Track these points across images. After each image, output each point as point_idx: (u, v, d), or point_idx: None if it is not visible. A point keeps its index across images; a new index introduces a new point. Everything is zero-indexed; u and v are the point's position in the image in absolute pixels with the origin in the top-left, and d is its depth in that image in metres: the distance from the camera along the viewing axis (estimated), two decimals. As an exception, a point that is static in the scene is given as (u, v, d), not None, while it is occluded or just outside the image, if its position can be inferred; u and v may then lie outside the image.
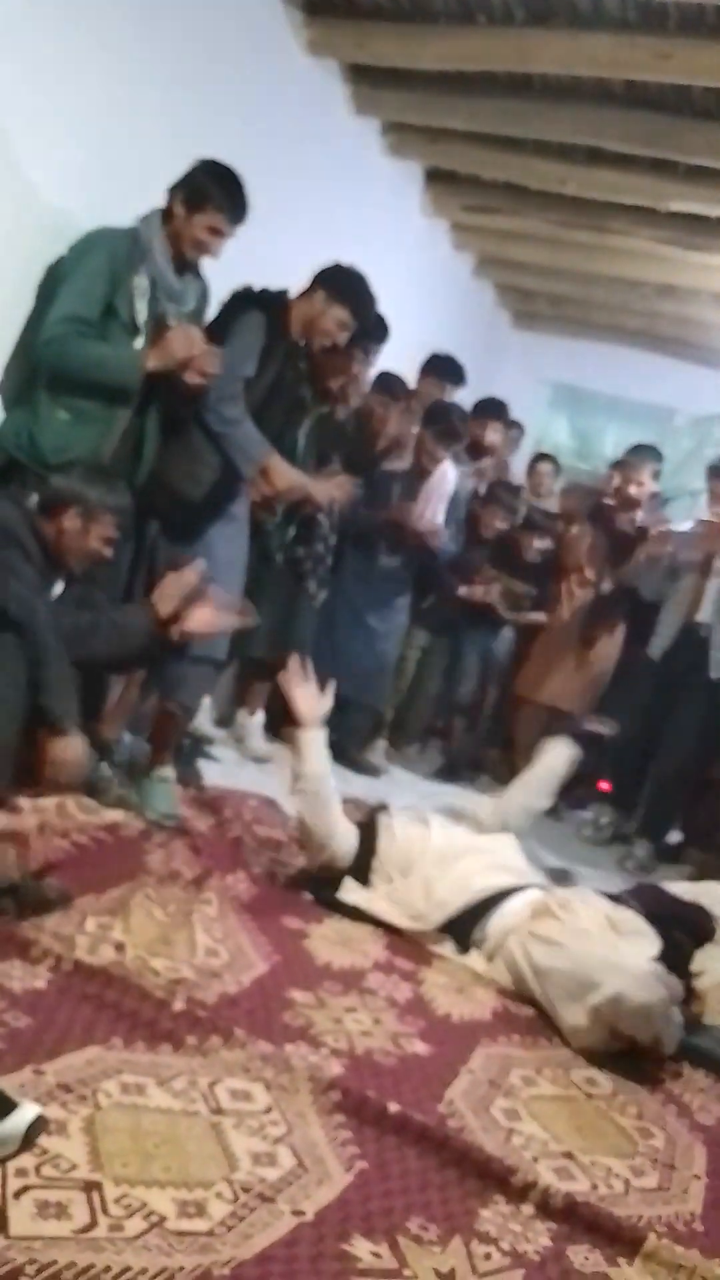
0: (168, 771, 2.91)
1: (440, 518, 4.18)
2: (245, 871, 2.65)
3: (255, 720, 3.84)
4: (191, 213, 2.73)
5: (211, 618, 2.55)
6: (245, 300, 3.04)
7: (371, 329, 3.58)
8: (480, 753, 4.67)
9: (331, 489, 3.38)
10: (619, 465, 4.50)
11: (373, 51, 4.06)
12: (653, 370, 6.50)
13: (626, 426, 6.63)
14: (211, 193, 2.73)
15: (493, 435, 4.61)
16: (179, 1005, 1.84)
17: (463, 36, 3.81)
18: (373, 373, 4.13)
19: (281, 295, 3.09)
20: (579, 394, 6.86)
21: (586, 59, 3.63)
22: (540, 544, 4.57)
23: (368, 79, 4.34)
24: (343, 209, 4.39)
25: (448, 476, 4.23)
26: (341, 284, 3.06)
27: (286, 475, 3.03)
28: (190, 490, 2.87)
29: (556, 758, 3.01)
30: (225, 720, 3.93)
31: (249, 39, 3.67)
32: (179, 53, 3.24)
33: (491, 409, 4.64)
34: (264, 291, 3.08)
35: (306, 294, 3.07)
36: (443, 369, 4.40)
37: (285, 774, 3.57)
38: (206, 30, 3.38)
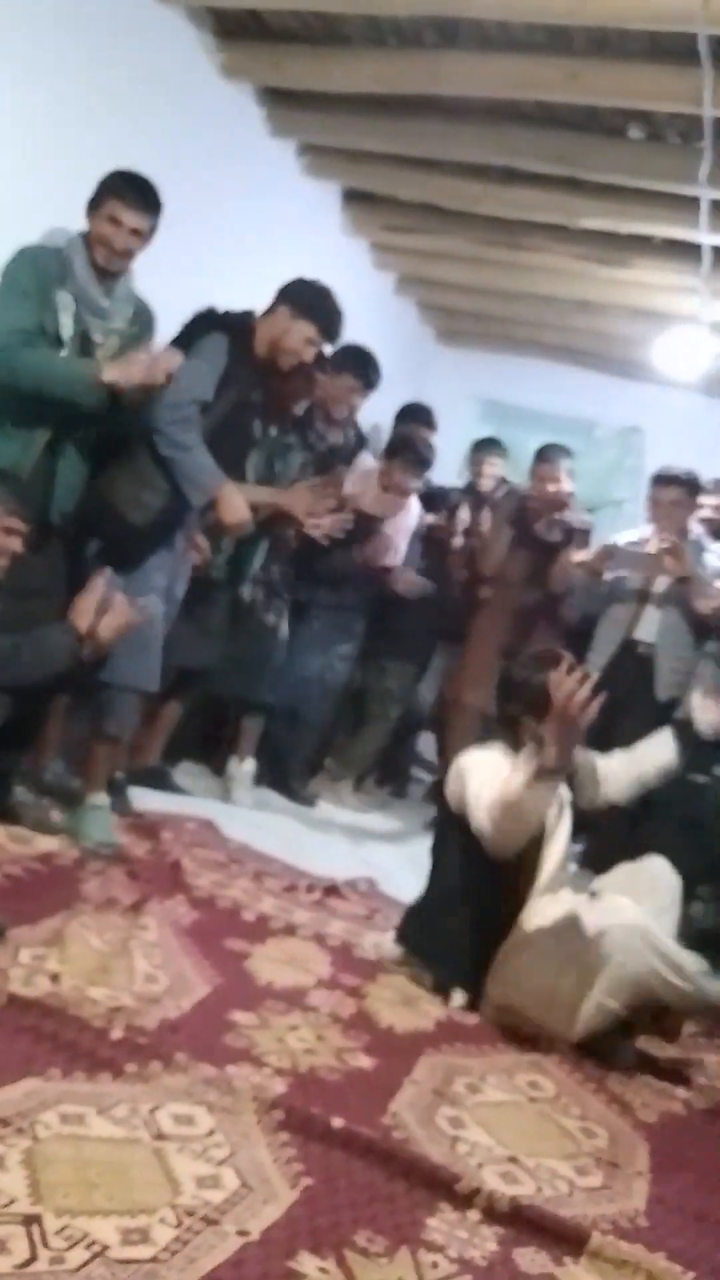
0: (100, 799, 2.87)
1: (402, 554, 4.22)
2: (185, 895, 2.63)
3: (245, 768, 3.76)
4: (92, 212, 2.70)
5: (121, 622, 2.51)
6: (208, 322, 2.99)
7: (367, 371, 3.62)
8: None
9: (304, 499, 3.26)
10: (534, 466, 4.43)
11: (286, 74, 4.10)
12: (574, 384, 6.64)
13: (551, 439, 6.73)
14: (106, 186, 2.70)
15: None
16: (118, 1033, 1.82)
17: (374, 59, 3.88)
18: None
19: (246, 316, 3.04)
20: (505, 408, 6.97)
21: (496, 79, 3.72)
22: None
23: (283, 101, 4.39)
24: (262, 230, 4.42)
25: (413, 510, 4.26)
26: (306, 298, 3.02)
27: (236, 510, 2.91)
28: (134, 515, 2.81)
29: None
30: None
31: (163, 63, 3.69)
32: (93, 78, 3.25)
33: (420, 414, 4.66)
34: (227, 313, 3.03)
35: (270, 312, 3.03)
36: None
37: (274, 823, 3.56)
38: (120, 55, 3.39)
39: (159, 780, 3.48)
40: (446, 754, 4.48)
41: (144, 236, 2.75)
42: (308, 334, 3.00)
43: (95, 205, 2.71)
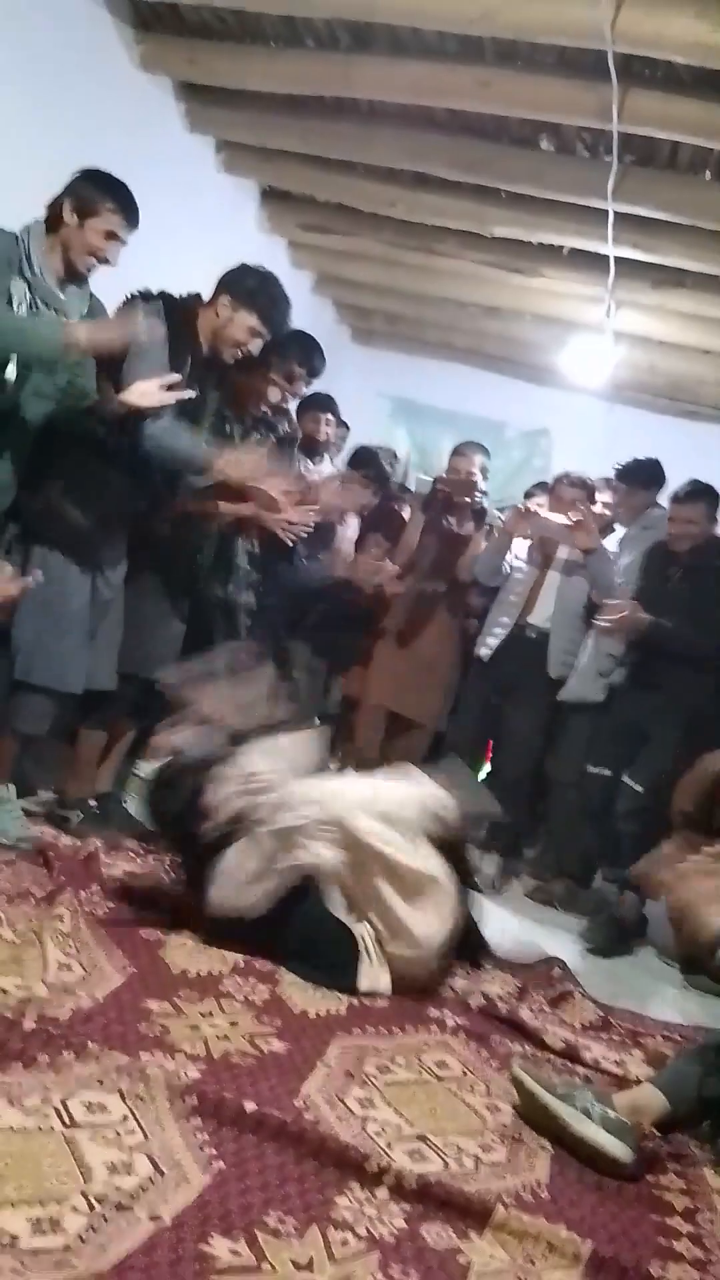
0: (3, 791, 2.83)
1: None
2: (100, 886, 2.62)
3: None
4: (84, 219, 2.65)
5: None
6: (144, 298, 2.91)
7: (313, 360, 3.51)
8: None
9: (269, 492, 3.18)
10: (450, 460, 4.52)
11: (203, 69, 4.10)
12: (484, 386, 6.77)
13: (461, 439, 6.86)
14: (104, 199, 2.67)
15: (326, 429, 4.59)
16: (29, 1024, 1.80)
17: (290, 59, 3.91)
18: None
19: (189, 301, 2.96)
20: (417, 407, 7.07)
21: (409, 85, 3.78)
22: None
23: (200, 97, 4.38)
24: (180, 224, 4.38)
25: (353, 522, 4.33)
26: (247, 286, 2.93)
27: (241, 462, 2.86)
28: (81, 516, 2.76)
29: None
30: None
31: (80, 52, 3.66)
32: (8, 63, 3.20)
33: (324, 403, 4.66)
34: (164, 295, 2.94)
35: (211, 302, 2.97)
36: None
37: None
38: (35, 42, 3.34)
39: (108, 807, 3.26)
40: (346, 755, 4.40)
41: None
42: (250, 324, 2.93)
43: (89, 212, 2.65)
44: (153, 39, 3.98)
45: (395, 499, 4.78)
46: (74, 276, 2.72)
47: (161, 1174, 1.54)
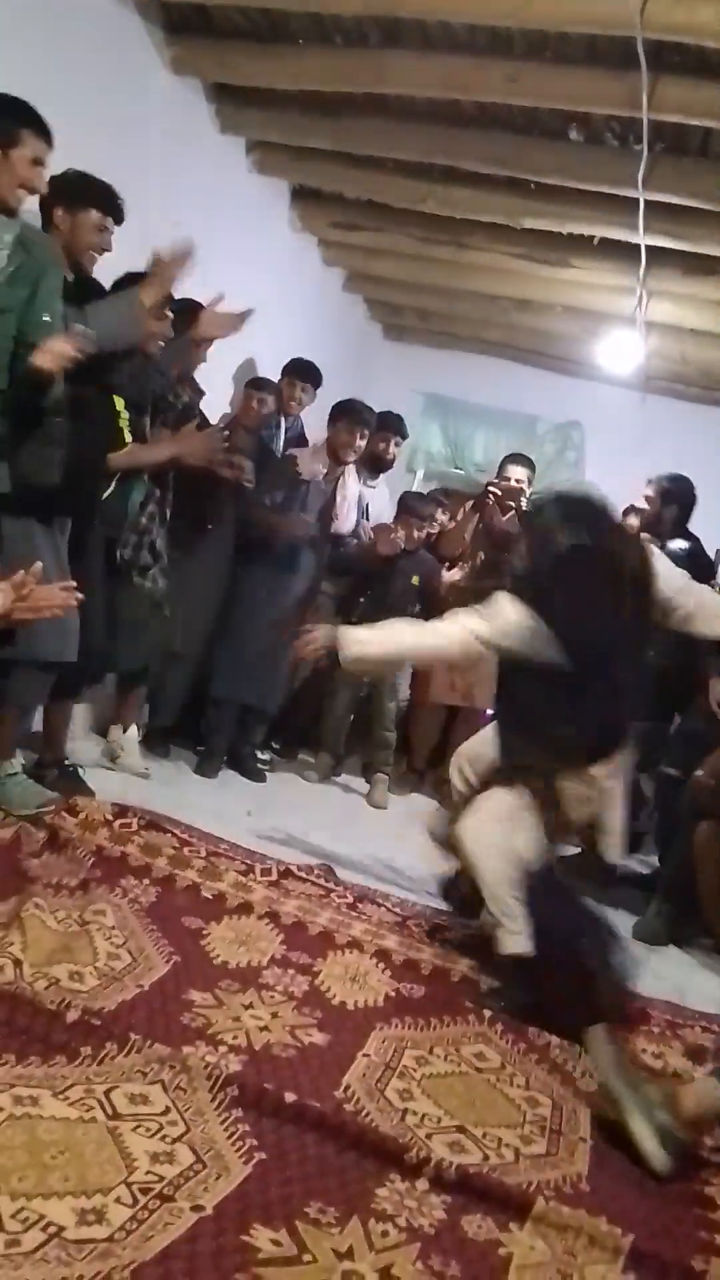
0: (8, 765, 2.88)
1: (351, 523, 4.29)
2: (143, 875, 2.66)
3: (130, 736, 3.74)
4: (7, 150, 2.54)
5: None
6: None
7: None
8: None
9: (202, 444, 3.30)
10: (504, 465, 4.68)
11: (234, 71, 4.12)
12: (515, 380, 6.74)
13: (494, 434, 6.85)
14: (22, 126, 2.55)
15: (393, 449, 4.72)
16: (72, 1016, 1.83)
17: (319, 56, 3.91)
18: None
19: None
20: (449, 403, 7.05)
21: (438, 80, 3.77)
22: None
23: (231, 98, 4.40)
24: (211, 225, 4.41)
25: (351, 484, 4.35)
26: (72, 187, 2.82)
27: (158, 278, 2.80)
28: (45, 475, 2.71)
29: None
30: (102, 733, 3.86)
31: (112, 57, 3.69)
32: (41, 68, 3.23)
33: (392, 424, 4.74)
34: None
35: (49, 223, 2.86)
36: (299, 370, 4.49)
37: (165, 789, 3.58)
38: (68, 47, 3.38)
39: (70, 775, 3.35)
40: (412, 753, 4.69)
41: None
42: (92, 220, 2.84)
43: (9, 143, 2.53)
44: (183, 42, 4.00)
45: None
46: (4, 210, 2.63)
47: (203, 1165, 1.57)
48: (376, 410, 4.71)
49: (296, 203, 5.41)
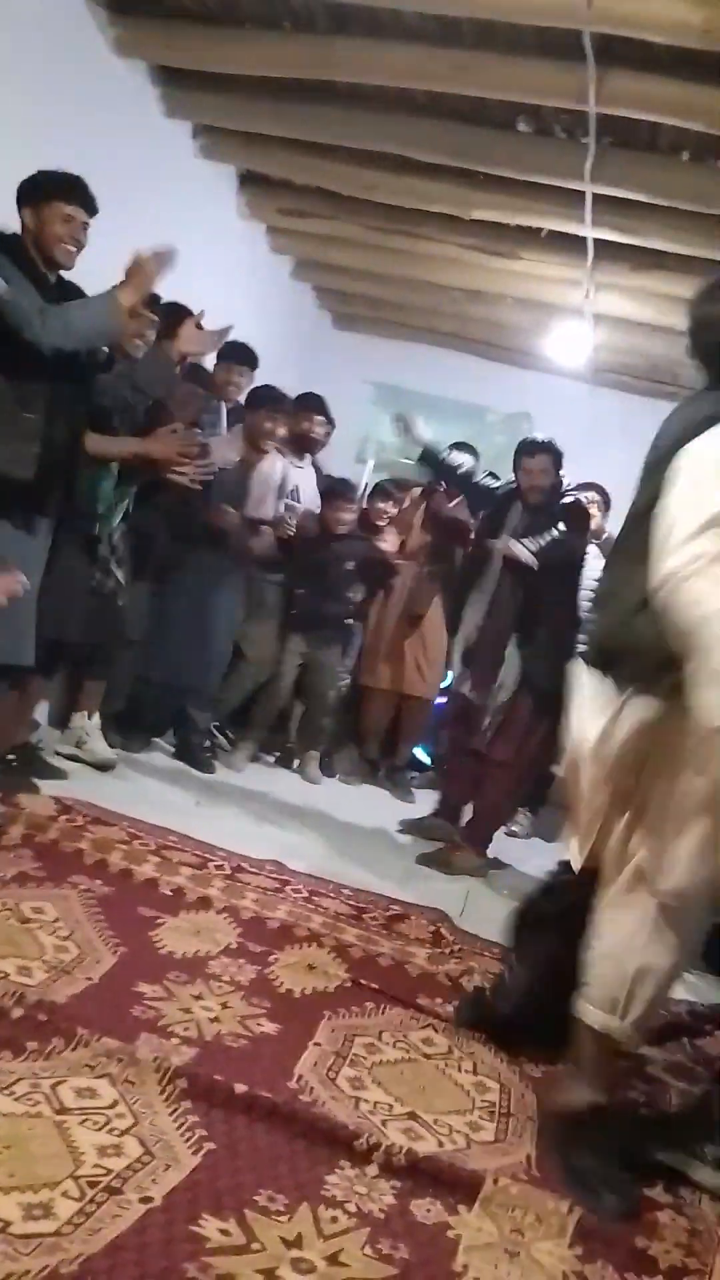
0: None
1: (270, 507, 4.27)
2: (95, 870, 2.64)
3: (93, 723, 3.74)
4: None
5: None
6: None
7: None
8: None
9: (170, 444, 3.30)
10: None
11: (180, 53, 4.06)
12: (466, 370, 6.77)
13: (444, 424, 6.86)
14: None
15: (317, 430, 4.67)
16: (18, 1012, 1.81)
17: (268, 41, 3.87)
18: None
19: (9, 237, 2.80)
20: (400, 393, 7.05)
21: (387, 68, 3.76)
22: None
23: (178, 81, 4.34)
24: (157, 210, 4.35)
25: (275, 467, 4.32)
26: (39, 184, 2.77)
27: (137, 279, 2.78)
28: (19, 471, 2.68)
29: None
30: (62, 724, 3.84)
31: (54, 37, 3.61)
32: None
33: (312, 404, 4.71)
34: None
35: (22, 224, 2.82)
36: (233, 353, 4.45)
37: (131, 779, 3.57)
38: (6, 26, 3.30)
39: (32, 760, 3.42)
40: (363, 742, 4.73)
41: None
42: (63, 212, 2.75)
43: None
44: (128, 23, 3.93)
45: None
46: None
47: (152, 1156, 1.56)
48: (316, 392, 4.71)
49: (245, 188, 5.36)
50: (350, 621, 4.64)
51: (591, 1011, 1.85)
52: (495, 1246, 1.59)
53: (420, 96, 4.06)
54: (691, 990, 2.95)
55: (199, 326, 3.35)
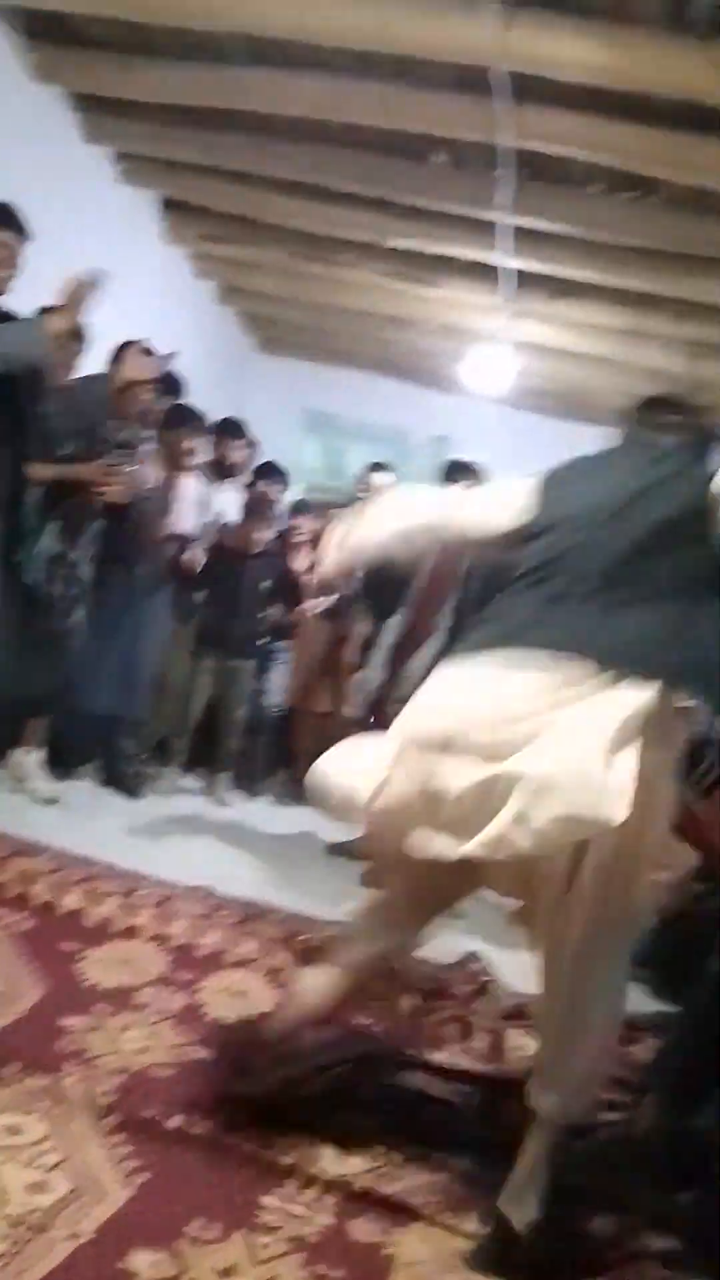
0: None
1: (188, 526, 4.28)
2: (21, 905, 2.58)
3: (33, 758, 3.66)
4: None
5: None
6: None
7: None
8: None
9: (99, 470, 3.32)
10: (359, 480, 4.72)
11: (97, 80, 4.07)
12: (390, 395, 6.86)
13: (369, 447, 6.96)
14: None
15: (236, 454, 4.69)
16: (-60, 1052, 1.77)
17: (184, 71, 3.90)
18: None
19: None
20: (326, 417, 7.12)
21: (304, 100, 3.82)
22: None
23: (97, 107, 4.35)
24: (77, 235, 4.34)
25: (196, 489, 4.33)
26: None
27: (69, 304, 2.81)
28: None
29: None
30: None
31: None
32: None
33: (230, 428, 4.72)
34: None
35: None
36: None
37: (57, 808, 3.50)
38: None
39: None
40: (296, 764, 4.57)
41: None
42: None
43: None
44: (45, 49, 3.92)
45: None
46: None
47: (80, 1192, 1.53)
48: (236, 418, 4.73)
49: (167, 214, 5.38)
50: (266, 641, 4.62)
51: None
52: (431, 1263, 1.60)
53: (337, 128, 4.12)
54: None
55: (146, 353, 3.35)
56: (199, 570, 4.27)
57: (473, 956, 3.00)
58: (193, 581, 4.34)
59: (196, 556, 4.25)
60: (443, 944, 3.09)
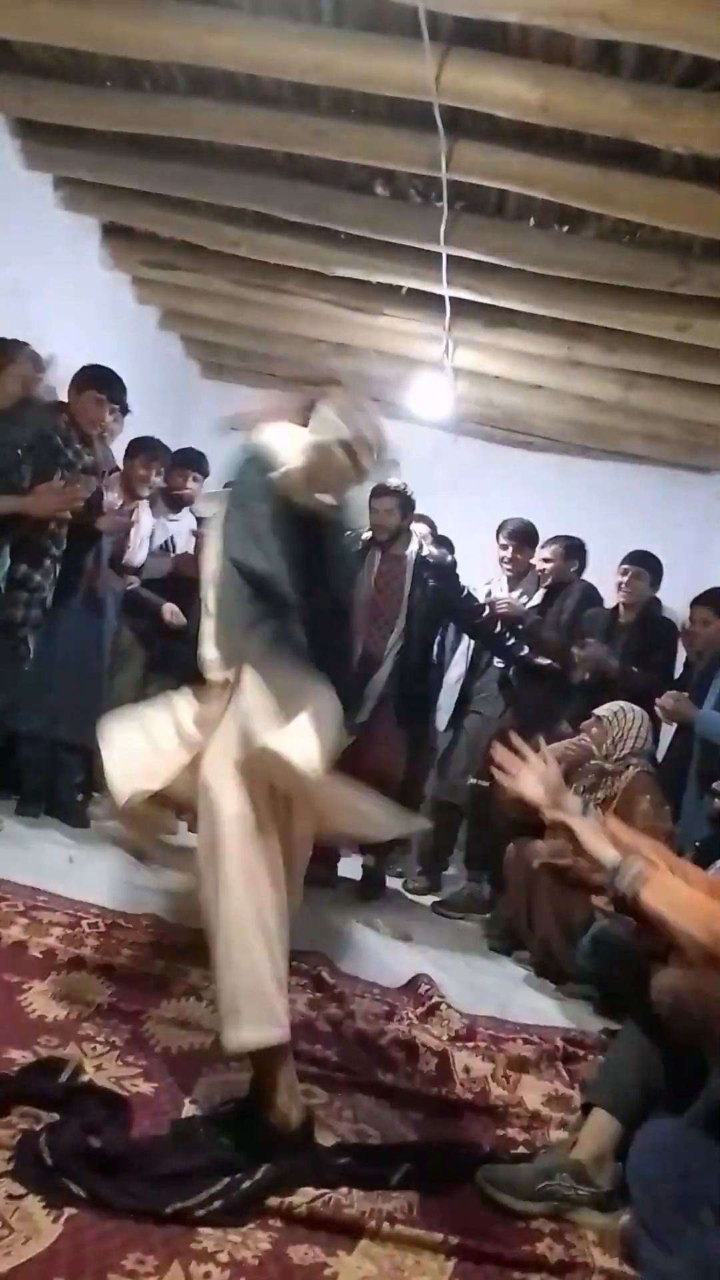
0: None
1: (141, 557, 4.26)
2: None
3: None
4: None
5: None
6: None
7: None
8: None
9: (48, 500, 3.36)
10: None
11: (39, 107, 4.07)
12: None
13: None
14: None
15: (191, 485, 4.73)
16: None
17: (127, 100, 3.92)
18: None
19: None
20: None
21: (246, 130, 3.86)
22: None
23: (37, 134, 4.34)
24: (18, 259, 4.34)
25: (145, 519, 4.33)
26: None
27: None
28: None
29: None
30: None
31: None
32: None
33: (192, 460, 4.75)
34: None
35: None
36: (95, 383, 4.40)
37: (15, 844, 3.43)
38: None
39: None
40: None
41: None
42: None
43: None
44: (-14, 75, 3.93)
45: None
46: None
47: (10, 1229, 1.50)
48: (195, 448, 4.74)
49: (108, 240, 5.38)
50: None
51: None
52: (374, 1281, 1.59)
53: (279, 157, 4.18)
54: (570, 1018, 3.04)
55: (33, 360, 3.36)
56: (180, 625, 4.26)
57: (423, 978, 3.01)
58: (138, 608, 4.33)
59: (178, 617, 4.28)
60: (394, 965, 3.12)
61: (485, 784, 3.89)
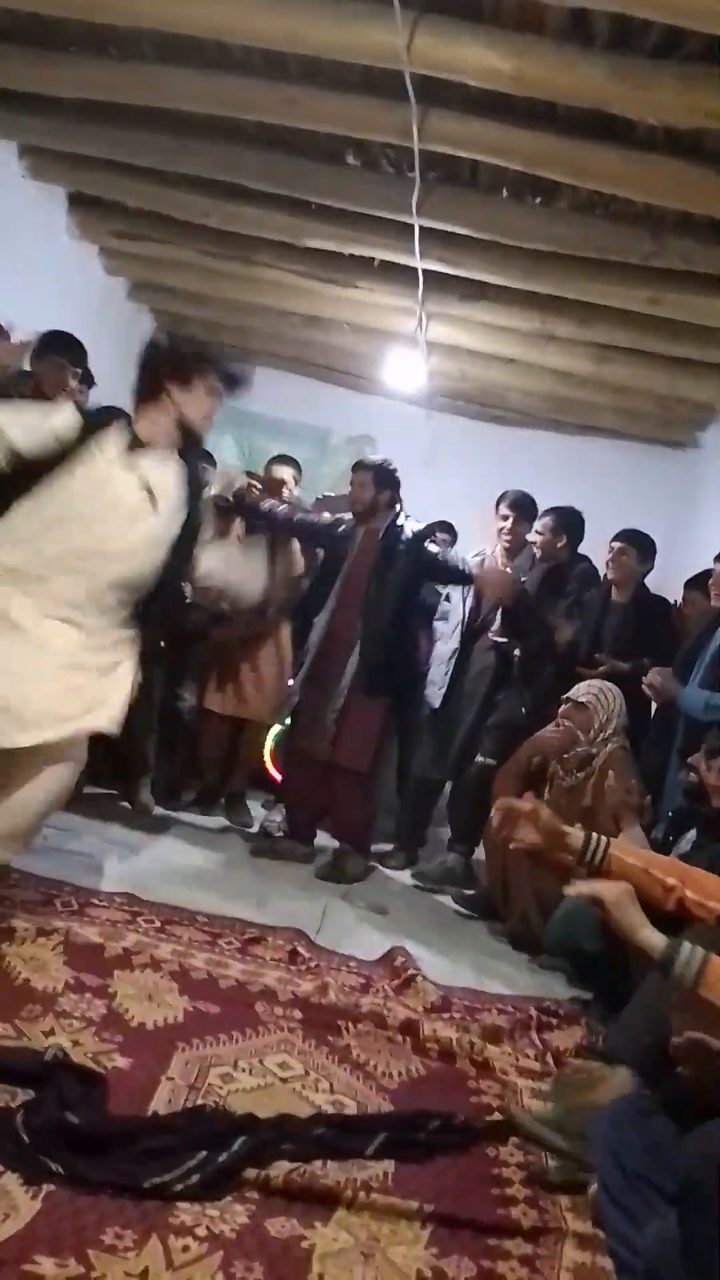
0: None
1: None
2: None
3: None
4: None
5: None
6: None
7: None
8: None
9: None
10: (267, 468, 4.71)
11: (3, 74, 3.98)
12: (309, 394, 6.86)
13: (288, 446, 6.93)
14: None
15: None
16: None
17: (94, 66, 3.85)
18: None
19: None
20: (244, 415, 7.07)
21: (215, 98, 3.80)
22: None
23: (2, 101, 4.25)
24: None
25: None
26: None
27: None
28: None
29: None
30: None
31: None
32: None
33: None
34: None
35: None
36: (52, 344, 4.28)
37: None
38: None
39: None
40: (205, 769, 4.50)
41: None
42: None
43: None
44: (-54, 40, 3.83)
45: None
46: None
47: (-11, 1205, 1.51)
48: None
49: (75, 209, 5.29)
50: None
51: None
52: (350, 1251, 1.62)
53: (250, 127, 4.12)
54: (541, 987, 3.09)
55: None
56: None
57: (399, 951, 3.04)
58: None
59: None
60: (368, 939, 3.15)
61: (492, 762, 3.93)
